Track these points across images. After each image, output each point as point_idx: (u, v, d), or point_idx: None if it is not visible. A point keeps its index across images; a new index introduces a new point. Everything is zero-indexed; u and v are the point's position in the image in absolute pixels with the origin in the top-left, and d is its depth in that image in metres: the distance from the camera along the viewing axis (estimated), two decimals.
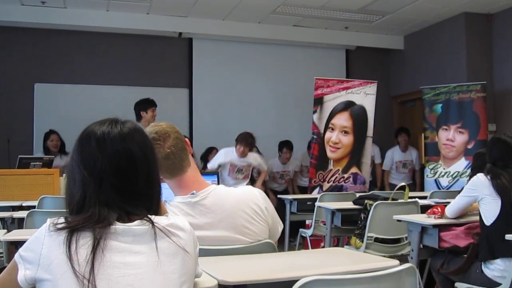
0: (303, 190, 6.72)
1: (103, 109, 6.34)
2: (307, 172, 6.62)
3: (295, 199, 5.30)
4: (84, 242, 1.03)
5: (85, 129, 1.14)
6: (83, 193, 1.08)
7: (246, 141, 5.47)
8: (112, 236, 1.05)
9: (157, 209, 1.15)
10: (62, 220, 1.08)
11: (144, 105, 5.23)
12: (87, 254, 1.02)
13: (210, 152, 6.51)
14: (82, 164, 1.10)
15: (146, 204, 1.11)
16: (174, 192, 1.66)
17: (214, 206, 1.60)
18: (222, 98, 7.45)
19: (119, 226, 1.06)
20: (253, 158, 5.66)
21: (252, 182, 6.05)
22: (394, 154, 6.92)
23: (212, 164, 5.57)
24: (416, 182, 6.97)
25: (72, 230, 1.04)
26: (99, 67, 6.86)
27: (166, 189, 1.79)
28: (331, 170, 6.27)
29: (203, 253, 1.55)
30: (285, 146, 6.73)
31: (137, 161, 1.10)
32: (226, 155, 5.53)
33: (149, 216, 1.10)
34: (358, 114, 6.31)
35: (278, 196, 5.65)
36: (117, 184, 1.08)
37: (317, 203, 4.68)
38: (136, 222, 1.08)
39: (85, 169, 1.09)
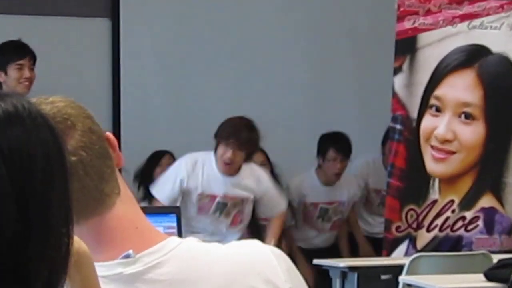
0: (373, 243, 5.87)
1: None
2: (380, 205, 5.85)
3: (353, 269, 4.74)
4: None
5: None
6: None
7: (238, 138, 4.72)
8: None
9: None
10: None
11: (1, 60, 4.95)
12: None
13: (157, 162, 5.71)
14: None
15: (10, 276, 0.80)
16: None
17: (174, 287, 1.25)
18: (183, 38, 6.32)
19: None
20: (254, 178, 4.97)
21: (257, 232, 5.25)
22: None
23: (162, 193, 4.87)
24: None
25: None
26: None
27: None
28: (435, 201, 5.31)
29: None
30: (333, 144, 5.69)
31: None
32: (194, 168, 4.89)
33: None
34: (495, 75, 5.39)
35: (315, 261, 4.94)
36: None
37: (403, 278, 4.36)
38: None
39: None
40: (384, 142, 5.85)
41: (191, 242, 1.32)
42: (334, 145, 5.69)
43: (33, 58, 4.80)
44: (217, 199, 4.89)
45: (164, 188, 4.90)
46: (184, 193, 4.91)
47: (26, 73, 4.73)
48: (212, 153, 4.88)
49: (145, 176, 5.61)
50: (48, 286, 0.82)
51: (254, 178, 4.96)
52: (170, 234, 1.43)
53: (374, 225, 5.98)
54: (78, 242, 1.00)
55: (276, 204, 5.01)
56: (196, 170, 4.86)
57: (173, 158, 5.60)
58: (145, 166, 5.72)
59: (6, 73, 4.75)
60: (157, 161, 5.74)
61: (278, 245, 5.15)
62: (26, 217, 0.79)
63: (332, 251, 5.81)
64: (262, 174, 5.03)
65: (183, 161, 4.90)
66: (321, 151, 5.73)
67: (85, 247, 1.03)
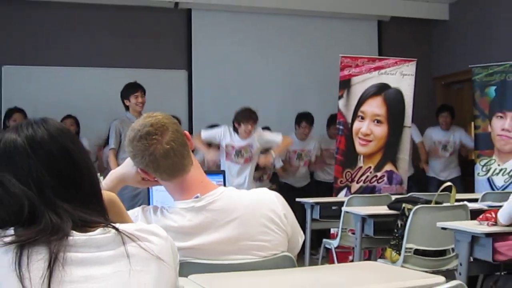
0: (326, 188, 6.66)
1: (84, 94, 6.61)
2: (330, 158, 6.77)
3: (317, 203, 5.29)
4: (39, 258, 1.03)
5: None
6: (22, 204, 1.08)
7: (252, 117, 5.46)
8: (71, 248, 1.06)
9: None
10: (11, 232, 1.07)
11: (125, 92, 5.35)
12: (43, 272, 1.02)
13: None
14: (14, 177, 1.11)
15: (98, 208, 1.15)
16: (174, 196, 1.69)
17: (222, 212, 1.62)
18: (226, 81, 7.47)
19: (78, 236, 1.08)
20: (256, 135, 5.66)
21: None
22: (433, 133, 7.19)
23: (207, 133, 5.61)
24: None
25: (22, 245, 1.04)
26: (80, 46, 6.88)
27: (162, 192, 1.87)
28: (361, 167, 6.26)
29: (203, 269, 1.56)
30: (304, 119, 6.79)
31: (75, 159, 1.15)
32: (225, 134, 5.58)
33: (113, 223, 1.13)
34: (393, 100, 6.33)
35: (297, 199, 5.54)
36: (60, 189, 1.11)
37: (344, 208, 4.73)
38: (98, 231, 1.10)
39: (19, 182, 1.10)
40: (328, 126, 6.98)
41: (230, 190, 1.70)
42: (304, 118, 6.80)
43: (143, 91, 5.37)
44: (235, 148, 5.54)
45: (208, 133, 5.55)
46: (220, 146, 5.58)
47: (140, 99, 5.34)
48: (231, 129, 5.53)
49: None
50: (102, 205, 1.19)
51: (256, 135, 5.59)
52: (219, 185, 1.71)
53: (327, 175, 6.97)
54: (109, 194, 1.38)
55: (274, 140, 5.66)
56: (228, 133, 5.58)
57: None
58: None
59: (129, 100, 5.34)
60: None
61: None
62: (91, 169, 1.20)
63: (305, 191, 6.66)
64: (260, 131, 5.60)
65: (223, 127, 5.66)
66: (297, 122, 6.84)
67: (114, 195, 1.42)
